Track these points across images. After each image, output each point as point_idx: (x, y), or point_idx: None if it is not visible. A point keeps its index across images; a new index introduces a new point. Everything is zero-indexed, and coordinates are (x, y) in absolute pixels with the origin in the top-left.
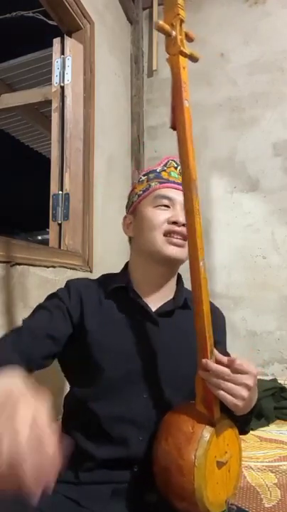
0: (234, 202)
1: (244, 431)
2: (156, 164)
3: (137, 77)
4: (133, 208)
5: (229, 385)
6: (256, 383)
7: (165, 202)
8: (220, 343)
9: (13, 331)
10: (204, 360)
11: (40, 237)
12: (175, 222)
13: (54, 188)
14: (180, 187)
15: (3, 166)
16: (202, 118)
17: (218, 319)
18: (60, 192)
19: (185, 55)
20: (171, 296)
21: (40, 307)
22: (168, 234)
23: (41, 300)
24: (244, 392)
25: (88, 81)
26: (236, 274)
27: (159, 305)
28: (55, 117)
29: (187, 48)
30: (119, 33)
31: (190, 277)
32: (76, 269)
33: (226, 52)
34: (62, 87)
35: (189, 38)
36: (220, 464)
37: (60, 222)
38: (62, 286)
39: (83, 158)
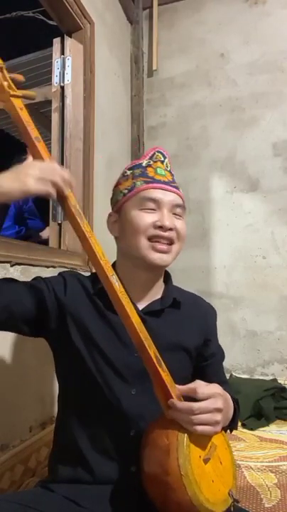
0: (234, 202)
1: (231, 430)
2: (142, 156)
3: (137, 77)
4: (119, 207)
5: (202, 417)
6: (225, 396)
7: (151, 205)
8: (212, 341)
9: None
10: (170, 402)
11: None
12: (160, 227)
13: None
14: (168, 187)
15: (3, 166)
16: (202, 118)
17: (210, 319)
18: None
19: (18, 97)
20: (159, 296)
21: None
22: (153, 239)
23: None
24: (218, 417)
25: (88, 81)
26: (236, 274)
27: (146, 304)
28: (55, 117)
29: (19, 90)
30: (119, 33)
31: (110, 299)
32: (76, 269)
33: (226, 52)
34: (62, 87)
35: (17, 82)
36: (207, 461)
37: (60, 222)
38: None
39: (83, 158)
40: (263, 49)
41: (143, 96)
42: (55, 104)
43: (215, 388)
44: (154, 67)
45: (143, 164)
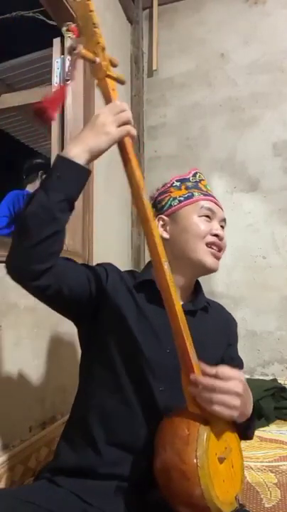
0: (234, 202)
1: (246, 436)
2: (185, 173)
3: (137, 77)
4: (172, 211)
5: (221, 396)
6: (246, 388)
7: (209, 213)
8: (233, 346)
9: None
10: (192, 376)
11: None
12: (216, 235)
13: None
14: (218, 202)
15: (3, 166)
16: (202, 118)
17: (232, 325)
18: None
19: (112, 78)
20: (189, 298)
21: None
22: (209, 245)
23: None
24: (236, 401)
25: (88, 81)
26: (236, 274)
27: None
28: None
29: (113, 72)
30: (119, 33)
31: (158, 283)
32: None
33: (226, 52)
34: None
35: (113, 64)
36: (222, 460)
37: None
38: None
39: None
40: (263, 49)
41: (143, 96)
42: None
43: (238, 373)
44: (154, 67)
45: (191, 179)
